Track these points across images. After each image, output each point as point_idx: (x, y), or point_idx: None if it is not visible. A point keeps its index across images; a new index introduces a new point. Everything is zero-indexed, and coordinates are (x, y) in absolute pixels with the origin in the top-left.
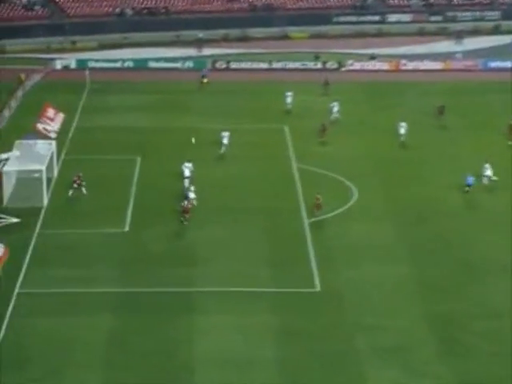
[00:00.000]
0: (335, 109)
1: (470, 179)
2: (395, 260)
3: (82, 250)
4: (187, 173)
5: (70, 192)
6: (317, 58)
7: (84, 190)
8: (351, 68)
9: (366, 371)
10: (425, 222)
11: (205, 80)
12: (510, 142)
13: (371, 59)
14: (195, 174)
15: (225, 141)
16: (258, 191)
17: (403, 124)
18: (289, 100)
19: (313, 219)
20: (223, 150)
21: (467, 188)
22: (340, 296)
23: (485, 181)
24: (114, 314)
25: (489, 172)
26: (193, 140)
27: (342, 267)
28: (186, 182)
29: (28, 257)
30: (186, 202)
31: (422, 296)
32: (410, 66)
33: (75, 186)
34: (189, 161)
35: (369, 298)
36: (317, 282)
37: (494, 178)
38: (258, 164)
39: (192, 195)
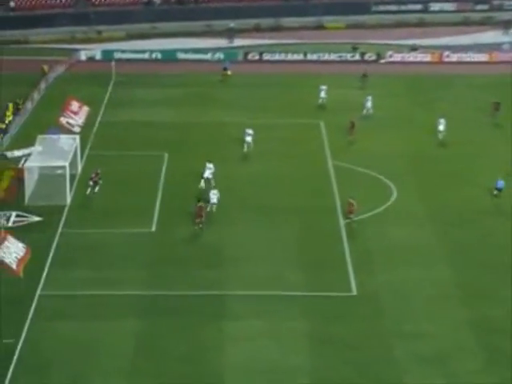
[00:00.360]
0: (368, 103)
1: (501, 183)
2: (435, 263)
3: (106, 251)
4: (207, 174)
5: (88, 190)
6: (354, 49)
7: (97, 188)
8: (391, 60)
9: (405, 382)
10: (466, 223)
11: (228, 72)
12: None
13: (412, 50)
14: (222, 171)
15: (248, 139)
16: (291, 189)
17: (442, 120)
18: (323, 94)
19: (348, 220)
20: (246, 148)
21: (496, 192)
22: (377, 300)
23: None
24: (141, 318)
25: None
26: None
27: (380, 270)
28: (203, 183)
29: (50, 257)
30: (199, 204)
31: (464, 301)
32: (454, 57)
33: (91, 183)
34: (209, 161)
35: (408, 303)
36: (353, 285)
37: None
38: (292, 161)
39: (214, 199)
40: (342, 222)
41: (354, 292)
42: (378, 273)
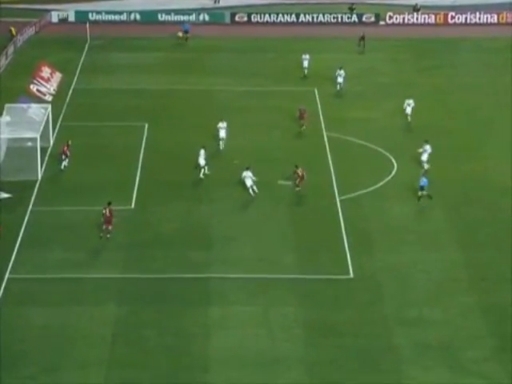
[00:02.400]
0: (340, 79)
1: (424, 181)
2: (441, 243)
3: (81, 230)
4: (202, 161)
5: (62, 165)
6: (351, 9)
7: (66, 161)
8: (391, 21)
9: (406, 371)
10: (474, 200)
11: (180, 34)
12: None
13: (414, 11)
14: (208, 144)
15: (222, 134)
16: (282, 164)
17: (410, 102)
18: (305, 64)
19: (344, 197)
20: (222, 145)
21: (420, 192)
22: (377, 284)
23: None
24: (119, 304)
25: None
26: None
27: (380, 251)
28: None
29: (20, 237)
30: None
31: (472, 285)
32: (460, 18)
33: (63, 157)
34: (203, 147)
35: (410, 287)
36: (350, 267)
37: None
38: (284, 132)
39: (250, 181)
40: (338, 198)
41: (352, 275)
42: (378, 254)
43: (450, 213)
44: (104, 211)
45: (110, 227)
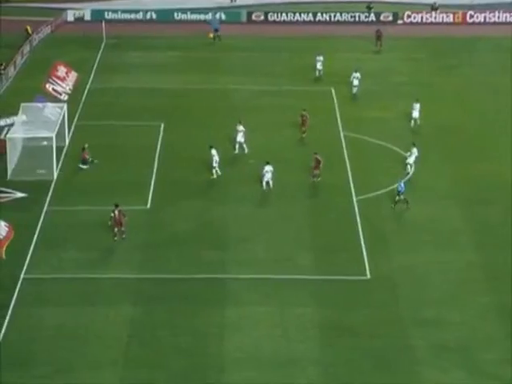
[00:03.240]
0: (356, 81)
1: (401, 186)
2: (458, 243)
3: (96, 230)
4: (214, 163)
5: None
6: (369, 8)
7: (87, 165)
8: (409, 20)
9: (423, 372)
10: (492, 200)
11: (211, 35)
12: None
13: (432, 10)
14: (224, 142)
15: (239, 137)
16: (299, 163)
17: (417, 106)
18: (319, 66)
19: (361, 196)
20: (237, 149)
21: (398, 197)
22: (394, 285)
23: None
24: (135, 304)
25: None
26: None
27: (396, 251)
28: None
29: (35, 237)
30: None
31: (490, 286)
32: (479, 17)
33: (83, 162)
34: (211, 147)
35: (427, 288)
36: (367, 268)
37: None
38: (300, 131)
39: (269, 176)
40: (355, 198)
41: (368, 275)
42: (395, 254)
43: (466, 213)
44: (112, 214)
45: (122, 228)
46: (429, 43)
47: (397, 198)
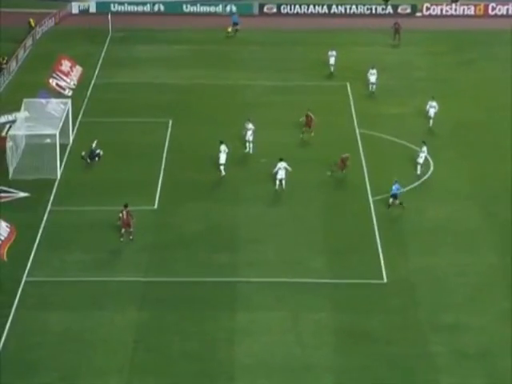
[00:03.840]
0: (373, 78)
1: (396, 187)
2: (478, 246)
3: (102, 231)
4: (222, 160)
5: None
6: (386, 0)
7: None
8: (428, 13)
9: (442, 380)
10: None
11: (229, 30)
12: None
13: (453, 2)
14: (234, 140)
15: (249, 136)
16: (313, 161)
17: (434, 104)
18: (332, 61)
19: (378, 197)
20: (248, 147)
21: (391, 200)
22: (411, 288)
23: None
24: (141, 308)
25: None
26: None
27: (414, 254)
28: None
29: (38, 238)
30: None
31: (510, 290)
32: (501, 10)
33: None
34: (221, 142)
35: (446, 292)
36: (384, 272)
37: None
38: (315, 128)
39: (282, 174)
40: (371, 199)
41: (385, 279)
42: (412, 258)
43: (486, 214)
44: (121, 214)
45: (130, 229)
46: (449, 36)
47: (390, 201)
